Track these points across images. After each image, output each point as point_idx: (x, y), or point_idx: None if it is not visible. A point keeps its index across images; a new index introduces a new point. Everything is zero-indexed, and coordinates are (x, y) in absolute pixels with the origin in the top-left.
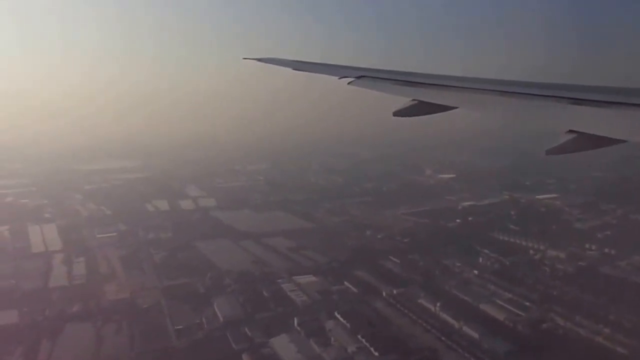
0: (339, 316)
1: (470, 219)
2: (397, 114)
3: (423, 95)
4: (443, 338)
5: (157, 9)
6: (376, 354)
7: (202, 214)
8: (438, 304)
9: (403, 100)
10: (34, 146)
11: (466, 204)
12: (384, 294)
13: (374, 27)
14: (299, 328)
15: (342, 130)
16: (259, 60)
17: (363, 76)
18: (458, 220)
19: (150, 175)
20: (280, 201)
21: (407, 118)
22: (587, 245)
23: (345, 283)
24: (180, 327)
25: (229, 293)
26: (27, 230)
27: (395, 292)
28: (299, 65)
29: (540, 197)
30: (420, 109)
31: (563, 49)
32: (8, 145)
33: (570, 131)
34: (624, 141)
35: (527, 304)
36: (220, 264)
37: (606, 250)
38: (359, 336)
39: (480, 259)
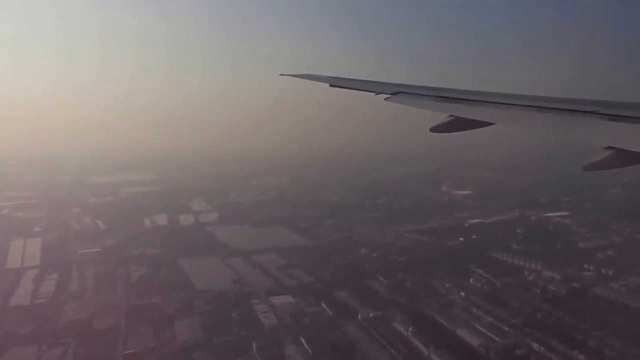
0: (303, 341)
1: (473, 237)
2: (434, 129)
3: (460, 111)
4: None
5: (188, 24)
6: None
7: (198, 229)
8: (410, 329)
9: (440, 116)
10: (52, 158)
11: (473, 221)
12: (359, 317)
13: (407, 43)
14: (256, 354)
15: (376, 146)
16: (296, 76)
17: (400, 92)
18: (461, 239)
19: (162, 189)
20: (285, 217)
21: (444, 134)
22: (585, 266)
23: (322, 305)
24: (131, 351)
25: (195, 314)
26: (9, 245)
27: (371, 315)
28: (335, 81)
29: (551, 214)
30: (457, 125)
31: (601, 65)
32: (23, 157)
33: (609, 147)
34: None
35: (507, 328)
36: (198, 283)
37: (603, 271)
38: None
39: (472, 280)
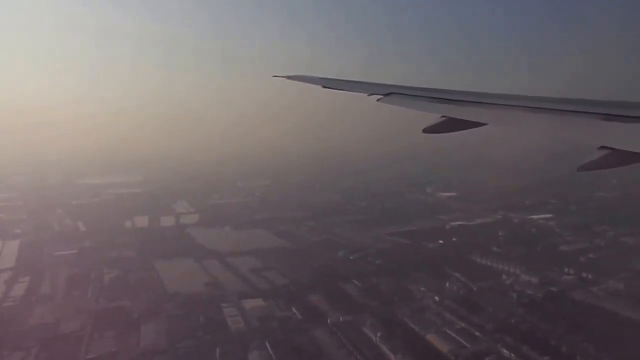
0: (268, 346)
1: (454, 240)
2: (427, 131)
3: (453, 112)
4: None
5: (184, 26)
6: None
7: (178, 231)
8: (379, 334)
9: (433, 117)
10: (43, 160)
11: (455, 224)
12: (329, 321)
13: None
14: (219, 359)
15: (368, 148)
16: (289, 78)
17: (392, 93)
18: (441, 241)
19: (147, 191)
20: (267, 219)
21: (437, 135)
22: (566, 270)
23: (293, 309)
24: (92, 356)
25: (163, 318)
26: None
27: (342, 319)
28: (328, 83)
29: (535, 217)
30: (450, 126)
31: (595, 64)
32: (14, 160)
33: (603, 147)
34: None
35: (479, 334)
36: (170, 286)
37: (584, 274)
38: None
39: (448, 284)
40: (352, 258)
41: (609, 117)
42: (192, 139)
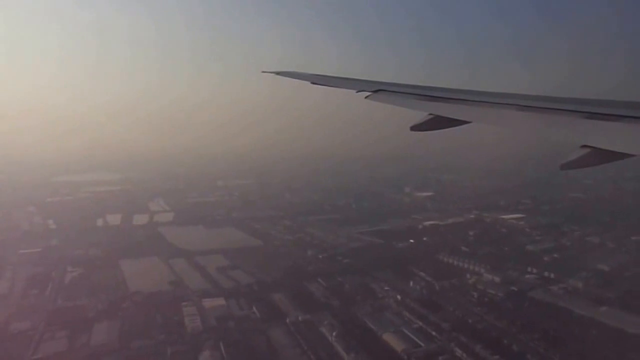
0: (222, 346)
1: (424, 239)
2: (414, 128)
3: (440, 109)
4: None
5: (175, 22)
6: None
7: (150, 229)
8: (334, 333)
9: (420, 114)
10: (28, 158)
11: (428, 223)
12: (287, 320)
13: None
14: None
15: (355, 147)
16: (277, 73)
17: (380, 90)
18: (411, 240)
19: (124, 189)
20: (241, 218)
21: (424, 133)
22: (529, 269)
23: (253, 308)
24: (39, 356)
25: (119, 317)
26: None
27: (300, 318)
28: (316, 79)
29: (506, 217)
30: (436, 123)
31: (579, 63)
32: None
33: (585, 146)
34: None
35: (434, 333)
36: (132, 284)
37: (546, 273)
38: None
39: (412, 283)
40: (320, 257)
41: (591, 115)
42: (179, 137)
